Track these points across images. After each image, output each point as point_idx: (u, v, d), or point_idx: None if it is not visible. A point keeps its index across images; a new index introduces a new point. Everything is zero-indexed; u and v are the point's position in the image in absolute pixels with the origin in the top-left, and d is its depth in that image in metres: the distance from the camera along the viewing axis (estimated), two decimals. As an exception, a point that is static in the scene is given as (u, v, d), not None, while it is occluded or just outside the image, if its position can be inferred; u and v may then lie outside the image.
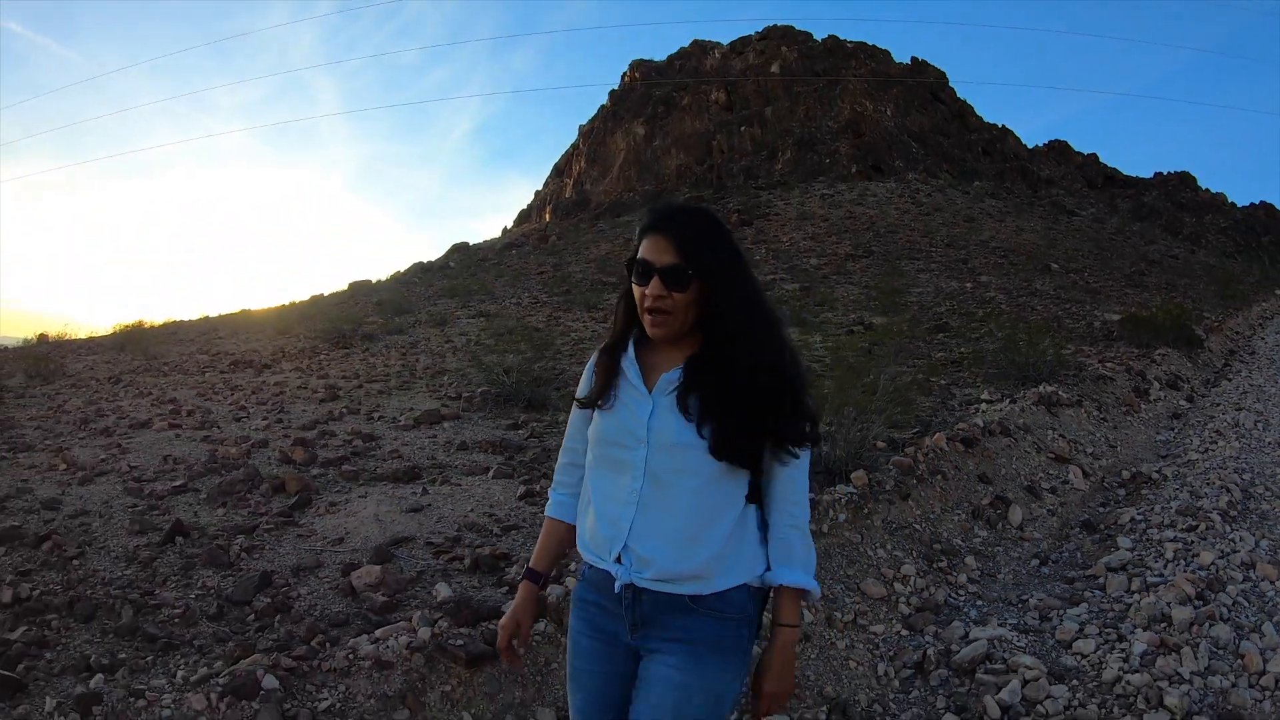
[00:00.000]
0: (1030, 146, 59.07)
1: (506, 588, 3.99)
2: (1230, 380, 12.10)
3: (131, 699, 2.83)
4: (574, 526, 1.95)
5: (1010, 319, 15.72)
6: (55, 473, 6.45)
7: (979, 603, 4.37)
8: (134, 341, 17.46)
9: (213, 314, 26.91)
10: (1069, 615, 4.03)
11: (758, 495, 1.80)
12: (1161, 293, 23.06)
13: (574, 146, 59.71)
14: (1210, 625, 3.68)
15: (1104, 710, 3.12)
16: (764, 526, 1.82)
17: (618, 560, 1.79)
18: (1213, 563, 4.45)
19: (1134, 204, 50.91)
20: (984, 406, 8.24)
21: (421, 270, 38.51)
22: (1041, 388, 8.59)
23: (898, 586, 4.29)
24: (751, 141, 49.30)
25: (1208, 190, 59.56)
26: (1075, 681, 3.37)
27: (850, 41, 54.13)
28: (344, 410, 9.28)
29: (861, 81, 49.86)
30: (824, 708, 3.24)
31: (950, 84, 54.92)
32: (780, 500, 1.79)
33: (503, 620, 1.97)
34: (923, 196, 40.44)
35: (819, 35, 54.64)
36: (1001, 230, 34.24)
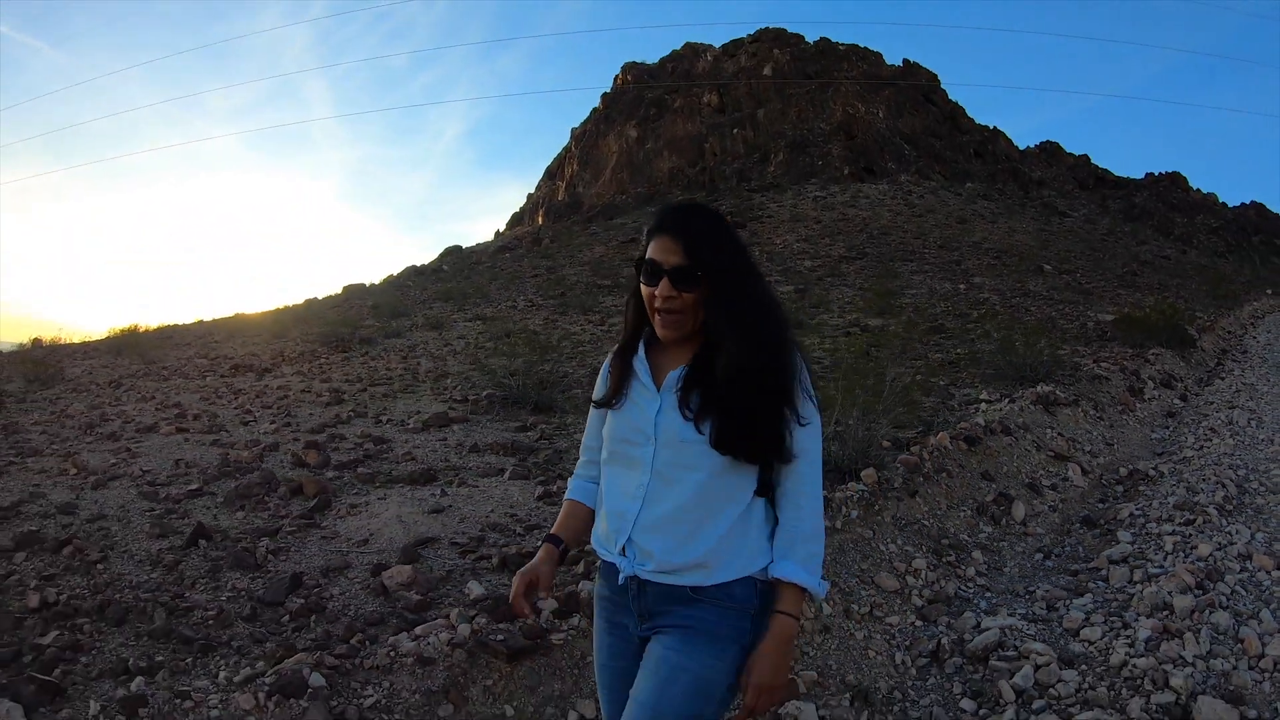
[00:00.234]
0: (1022, 148, 59.31)
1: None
2: (1223, 379, 12.25)
3: (177, 700, 2.87)
4: (593, 511, 2.00)
5: (1005, 320, 15.89)
6: (66, 477, 6.46)
7: (988, 594, 4.54)
8: (131, 346, 17.53)
9: (207, 318, 26.96)
10: (1075, 605, 4.19)
11: (768, 489, 1.83)
12: (1154, 293, 23.22)
13: (566, 149, 59.74)
14: (1210, 612, 3.84)
15: (1113, 692, 3.29)
16: (774, 520, 1.85)
17: (622, 553, 1.84)
18: (1210, 554, 4.62)
19: (1125, 205, 51.19)
20: (984, 406, 8.39)
21: (415, 273, 38.54)
22: (1039, 388, 8.75)
23: (910, 580, 4.45)
24: (744, 144, 49.46)
25: (1198, 191, 59.87)
26: (1084, 666, 3.53)
27: (842, 44, 54.47)
28: (351, 414, 9.37)
29: (853, 84, 50.11)
30: (847, 695, 3.40)
31: (942, 86, 55.26)
32: (788, 494, 1.82)
33: (520, 570, 1.93)
34: (915, 198, 40.61)
35: (811, 38, 54.95)
36: (994, 231, 34.42)
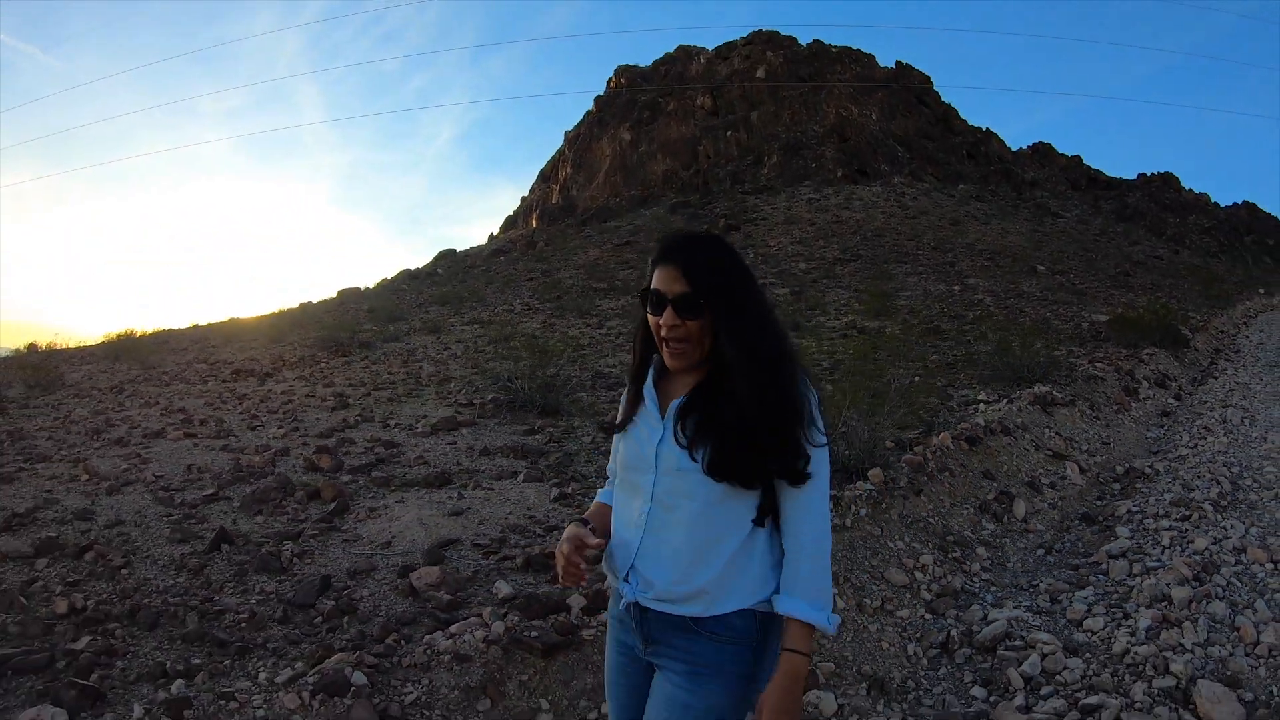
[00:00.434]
0: (1014, 149, 59.59)
1: (556, 586, 4.14)
2: (1217, 378, 12.43)
3: (221, 701, 2.93)
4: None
5: (1001, 322, 16.06)
6: (78, 483, 6.50)
7: (993, 588, 4.71)
8: (128, 351, 17.49)
9: (202, 322, 26.95)
10: (1077, 597, 4.37)
11: (768, 517, 1.80)
12: (1147, 293, 23.41)
13: (560, 152, 59.80)
14: (1207, 603, 4.02)
15: (1116, 678, 3.47)
16: (778, 550, 1.82)
17: (626, 579, 1.86)
18: (1206, 548, 4.80)
19: (1118, 205, 51.46)
20: (982, 407, 8.54)
21: (410, 277, 38.61)
22: (1036, 388, 8.91)
23: (918, 575, 4.61)
24: (737, 146, 49.58)
25: (1191, 191, 60.17)
26: (1088, 654, 3.71)
27: (835, 46, 54.49)
28: (358, 418, 9.43)
29: (846, 86, 50.26)
30: (863, 685, 3.57)
31: (934, 88, 55.42)
32: (791, 524, 1.78)
33: (565, 537, 1.90)
34: (908, 200, 40.79)
35: (804, 40, 55.03)
36: (987, 233, 34.60)
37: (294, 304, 32.31)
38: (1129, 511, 5.82)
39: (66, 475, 6.75)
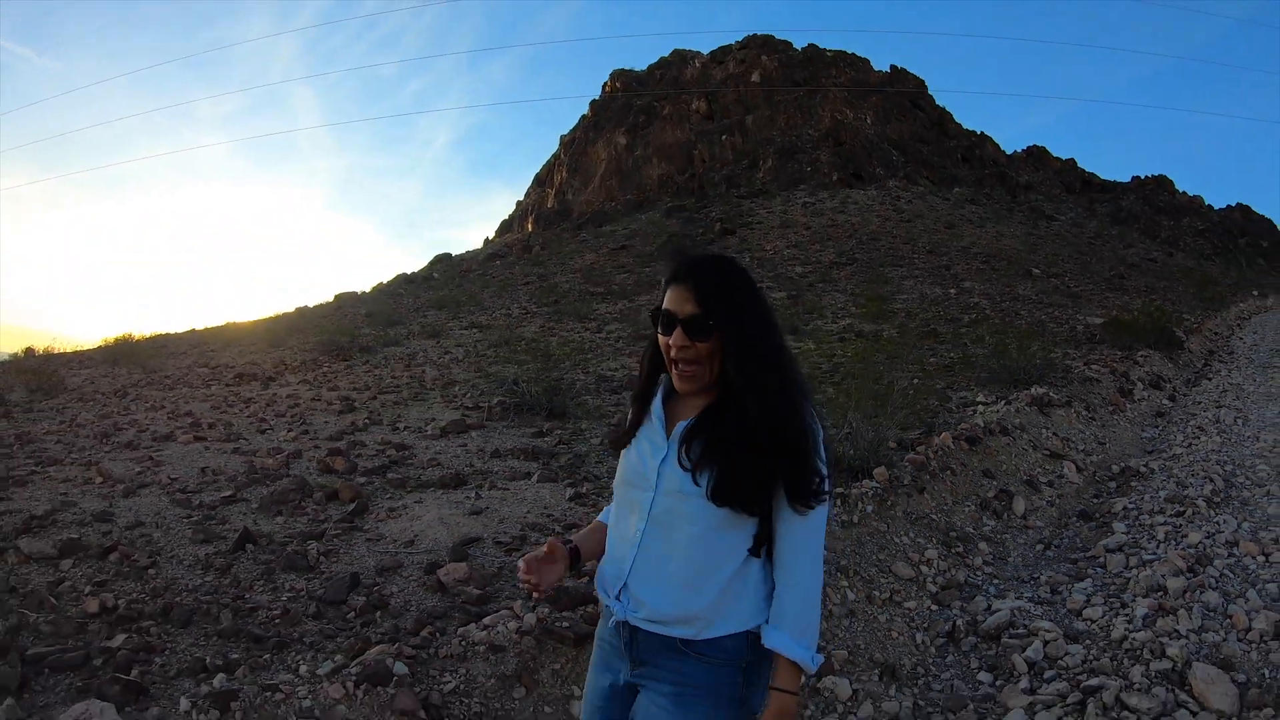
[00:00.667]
0: (1009, 152, 59.67)
1: (587, 578, 4.18)
2: (1210, 379, 12.58)
3: (266, 693, 2.98)
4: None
5: (998, 325, 16.23)
6: (93, 486, 6.54)
7: (995, 581, 4.90)
8: (126, 355, 17.43)
9: (199, 326, 26.94)
10: (1076, 588, 4.58)
11: (763, 547, 1.80)
12: (1142, 296, 23.52)
13: (555, 156, 59.95)
14: (1201, 592, 4.22)
15: (1116, 662, 3.67)
16: (771, 580, 1.82)
17: (618, 598, 1.86)
18: (1200, 542, 5.00)
19: (1112, 208, 51.72)
20: (981, 408, 8.71)
21: (406, 281, 38.71)
22: (1033, 390, 9.08)
23: (923, 568, 4.80)
24: (732, 150, 49.73)
25: (1185, 193, 60.29)
26: (1088, 641, 3.91)
27: (830, 50, 54.62)
28: (366, 421, 9.53)
29: (841, 90, 50.45)
30: (876, 671, 3.77)
31: (929, 91, 55.63)
32: (785, 557, 1.78)
33: (532, 554, 1.94)
34: (903, 203, 40.85)
35: (799, 44, 55.26)
36: (982, 236, 34.74)
37: (290, 308, 32.36)
38: (1125, 508, 6.00)
39: (80, 478, 6.80)
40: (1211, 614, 3.99)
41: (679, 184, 48.38)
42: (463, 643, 3.41)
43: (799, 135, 48.63)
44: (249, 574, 4.65)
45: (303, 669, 3.33)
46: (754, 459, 1.73)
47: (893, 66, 55.69)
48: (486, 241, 55.97)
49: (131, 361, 16.98)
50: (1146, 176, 60.98)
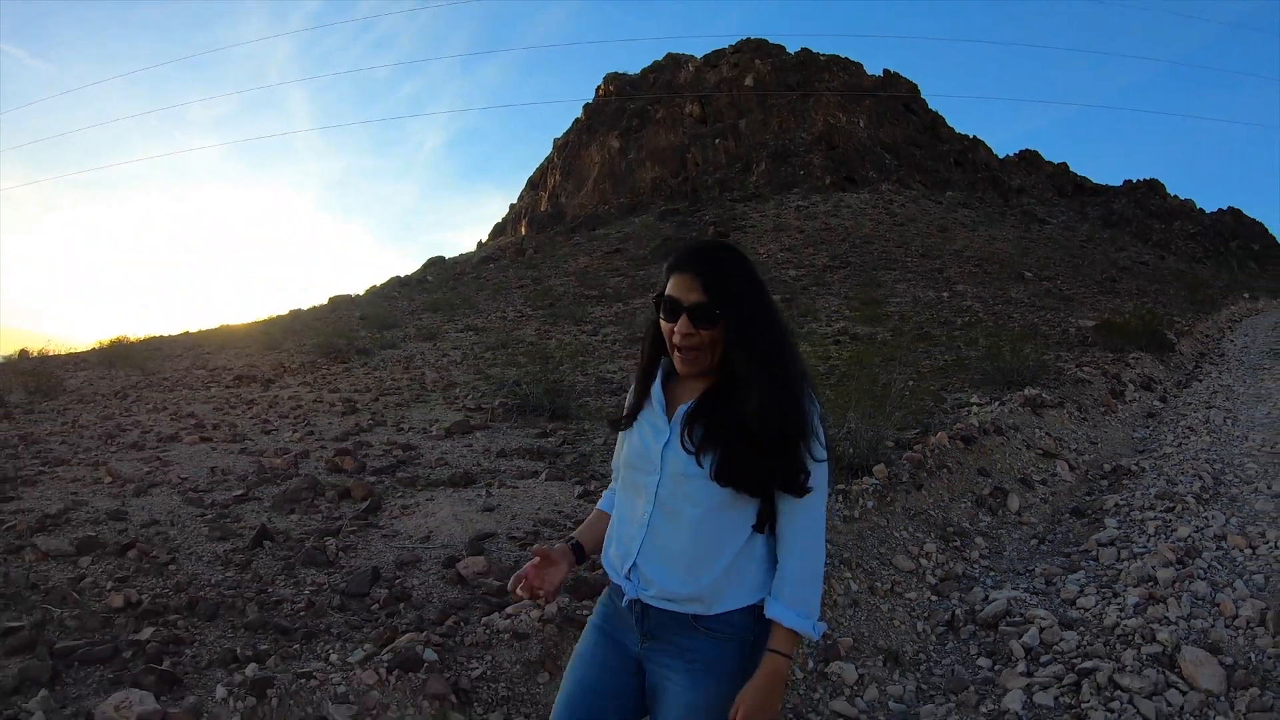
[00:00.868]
0: (1001, 156, 60.09)
1: (601, 570, 4.36)
2: (1201, 381, 12.73)
3: (301, 680, 3.07)
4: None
5: (991, 328, 16.40)
6: (102, 485, 6.58)
7: (992, 573, 5.09)
8: (122, 357, 17.37)
9: (193, 329, 26.86)
10: (1070, 580, 4.76)
11: (767, 524, 1.86)
12: (1133, 299, 23.69)
13: (548, 159, 60.08)
14: (1190, 582, 4.41)
15: (1109, 646, 3.85)
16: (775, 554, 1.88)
17: (628, 576, 1.91)
18: (1189, 535, 5.19)
19: (1104, 211, 52.08)
20: (975, 409, 8.88)
21: (399, 284, 38.72)
22: (1026, 391, 9.25)
23: (922, 561, 4.98)
24: (726, 154, 49.91)
25: (1176, 197, 60.72)
26: (1082, 627, 4.09)
27: (823, 54, 54.85)
28: (370, 422, 9.60)
29: (834, 94, 50.68)
30: (880, 657, 3.95)
31: (922, 95, 55.94)
32: (787, 533, 1.84)
33: (537, 550, 2.00)
34: (896, 207, 41.07)
35: (792, 48, 55.46)
36: (975, 239, 34.96)
37: (283, 311, 32.36)
38: (1116, 505, 6.18)
39: (88, 478, 6.85)
40: (1200, 602, 4.17)
41: (672, 187, 48.56)
42: (487, 631, 3.53)
43: (792, 139, 48.85)
44: (269, 569, 4.74)
45: (333, 657, 3.41)
46: (755, 441, 1.78)
47: (886, 71, 56.13)
48: (480, 244, 56.10)
49: (128, 363, 16.92)
50: (1138, 180, 61.44)
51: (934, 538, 5.34)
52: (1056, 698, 3.48)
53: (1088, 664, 3.62)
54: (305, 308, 32.80)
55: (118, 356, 17.65)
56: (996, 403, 8.99)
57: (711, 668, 1.84)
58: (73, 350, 21.30)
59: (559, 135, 60.16)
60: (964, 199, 46.09)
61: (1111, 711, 3.32)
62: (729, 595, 1.83)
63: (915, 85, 55.98)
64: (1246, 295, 31.77)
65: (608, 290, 26.56)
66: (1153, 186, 60.64)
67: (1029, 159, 62.12)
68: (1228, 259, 50.57)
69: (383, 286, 39.17)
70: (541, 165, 61.16)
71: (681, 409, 1.88)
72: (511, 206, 62.51)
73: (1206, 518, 5.53)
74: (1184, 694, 3.40)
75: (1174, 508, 5.84)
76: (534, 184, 60.79)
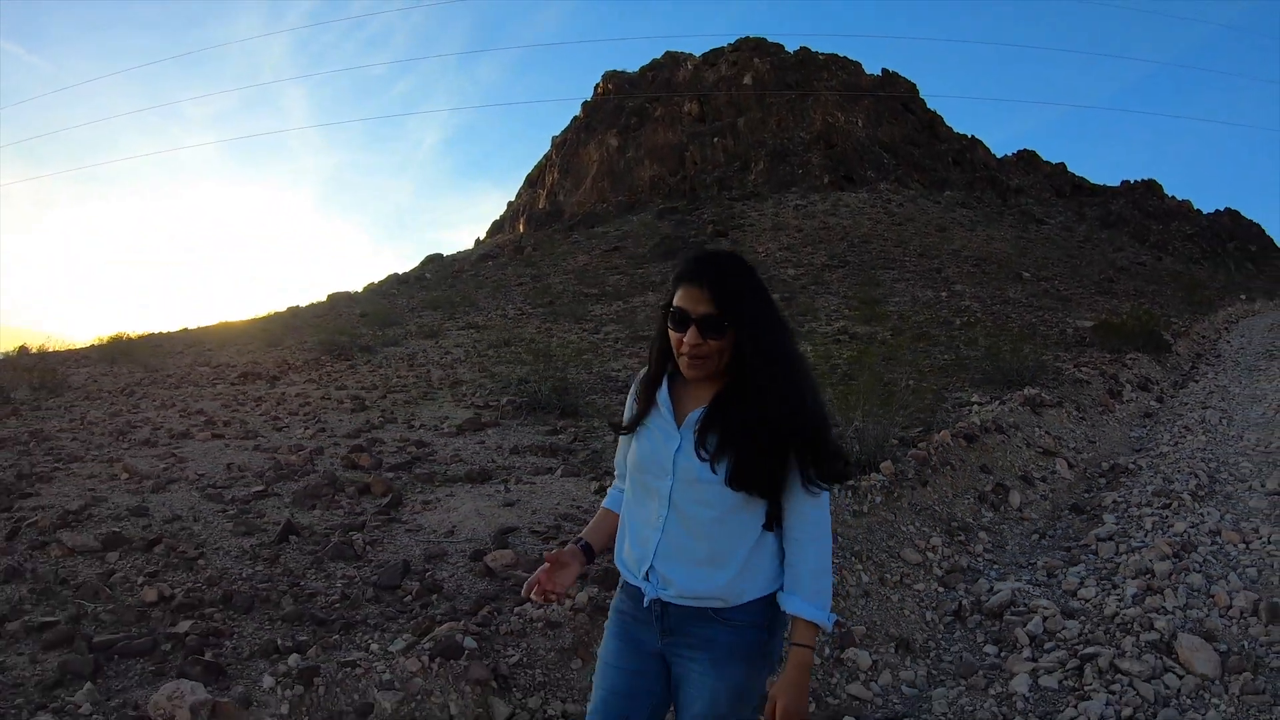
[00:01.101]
0: (999, 156, 60.14)
1: None
2: (1197, 381, 12.91)
3: (346, 669, 3.17)
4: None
5: (990, 328, 16.54)
6: (119, 482, 6.60)
7: (995, 566, 5.30)
8: (123, 354, 17.36)
9: (191, 326, 26.77)
10: (1071, 572, 4.99)
11: (774, 522, 1.93)
12: (1131, 299, 23.82)
13: (547, 157, 60.03)
14: (1186, 575, 4.62)
15: (1109, 634, 4.08)
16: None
17: (646, 577, 1.97)
18: (1185, 531, 5.40)
19: (1102, 212, 52.18)
20: (976, 408, 9.06)
21: (398, 282, 38.70)
22: (1026, 391, 9.43)
23: (929, 554, 5.18)
24: (724, 153, 49.92)
25: (1174, 198, 60.73)
26: (1083, 617, 4.32)
27: (822, 53, 54.76)
28: (380, 419, 9.68)
29: (833, 93, 50.72)
30: (892, 644, 4.17)
31: (920, 95, 55.97)
32: (795, 530, 1.92)
33: (549, 555, 2.06)
34: (894, 206, 41.10)
35: (791, 47, 55.41)
36: (973, 239, 35.03)
37: (281, 308, 32.26)
38: (1114, 501, 6.39)
39: (104, 474, 6.86)
40: (1196, 593, 4.39)
41: (671, 186, 48.61)
42: (521, 620, 3.71)
43: (791, 138, 48.92)
44: (299, 563, 4.80)
45: (374, 647, 3.52)
46: (771, 446, 1.85)
47: (884, 70, 56.13)
48: (477, 242, 56.14)
49: (130, 360, 16.82)
50: (1136, 181, 61.43)
51: (939, 532, 5.54)
52: (1061, 681, 3.70)
53: (1090, 650, 3.83)
54: (304, 305, 32.78)
55: (119, 353, 17.56)
56: (997, 402, 9.15)
57: (734, 651, 1.92)
58: (70, 347, 21.21)
59: (557, 133, 60.20)
60: (962, 199, 46.18)
61: (1113, 693, 3.52)
62: (746, 589, 1.91)
63: (914, 85, 56.12)
64: (1243, 296, 31.92)
65: (607, 288, 26.68)
66: (1150, 187, 60.75)
67: (1027, 159, 62.23)
68: (1225, 260, 50.75)
69: (381, 284, 39.15)
70: (540, 163, 61.16)
71: (692, 415, 1.94)
72: (509, 204, 62.52)
73: (1202, 514, 5.74)
74: (1181, 678, 3.60)
75: (1170, 504, 6.05)
76: (532, 182, 60.80)
